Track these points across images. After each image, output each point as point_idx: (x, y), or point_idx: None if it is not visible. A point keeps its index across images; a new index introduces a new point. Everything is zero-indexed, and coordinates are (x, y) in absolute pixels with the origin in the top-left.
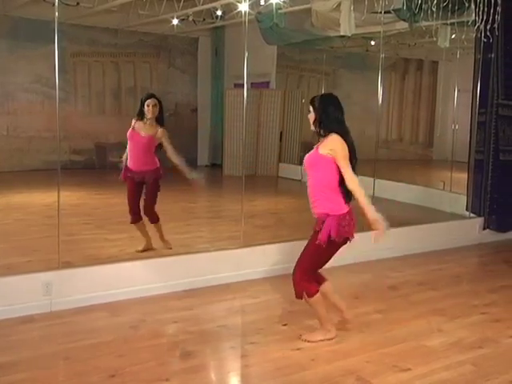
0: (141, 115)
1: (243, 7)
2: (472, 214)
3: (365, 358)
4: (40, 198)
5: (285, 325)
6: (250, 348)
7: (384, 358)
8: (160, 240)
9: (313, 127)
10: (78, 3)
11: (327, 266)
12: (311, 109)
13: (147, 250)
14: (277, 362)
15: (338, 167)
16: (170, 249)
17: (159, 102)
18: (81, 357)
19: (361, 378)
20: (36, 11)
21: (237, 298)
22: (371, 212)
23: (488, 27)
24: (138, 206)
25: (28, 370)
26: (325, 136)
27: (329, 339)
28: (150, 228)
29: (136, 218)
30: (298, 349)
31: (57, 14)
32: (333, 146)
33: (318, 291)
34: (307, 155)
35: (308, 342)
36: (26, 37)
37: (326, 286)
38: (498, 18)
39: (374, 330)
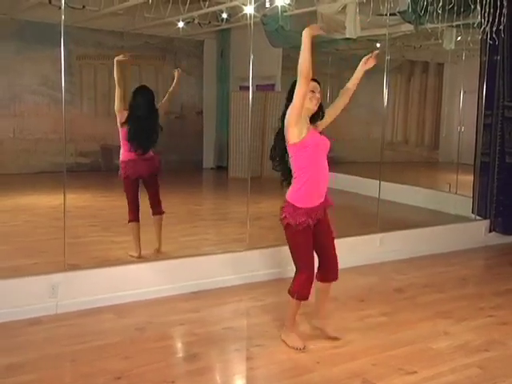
0: None
1: (249, 10)
2: (478, 217)
3: (371, 361)
4: (46, 200)
5: None
6: (256, 350)
7: (390, 361)
8: (158, 239)
9: (314, 108)
10: (84, 6)
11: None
12: (319, 89)
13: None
14: (282, 364)
15: None
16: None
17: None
18: (87, 359)
19: (367, 380)
20: (42, 14)
21: (242, 300)
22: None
23: (494, 29)
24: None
25: (34, 371)
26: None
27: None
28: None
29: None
30: (303, 351)
31: (63, 16)
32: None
33: None
34: (320, 137)
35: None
36: (32, 39)
37: None
38: (503, 19)
39: (379, 333)
